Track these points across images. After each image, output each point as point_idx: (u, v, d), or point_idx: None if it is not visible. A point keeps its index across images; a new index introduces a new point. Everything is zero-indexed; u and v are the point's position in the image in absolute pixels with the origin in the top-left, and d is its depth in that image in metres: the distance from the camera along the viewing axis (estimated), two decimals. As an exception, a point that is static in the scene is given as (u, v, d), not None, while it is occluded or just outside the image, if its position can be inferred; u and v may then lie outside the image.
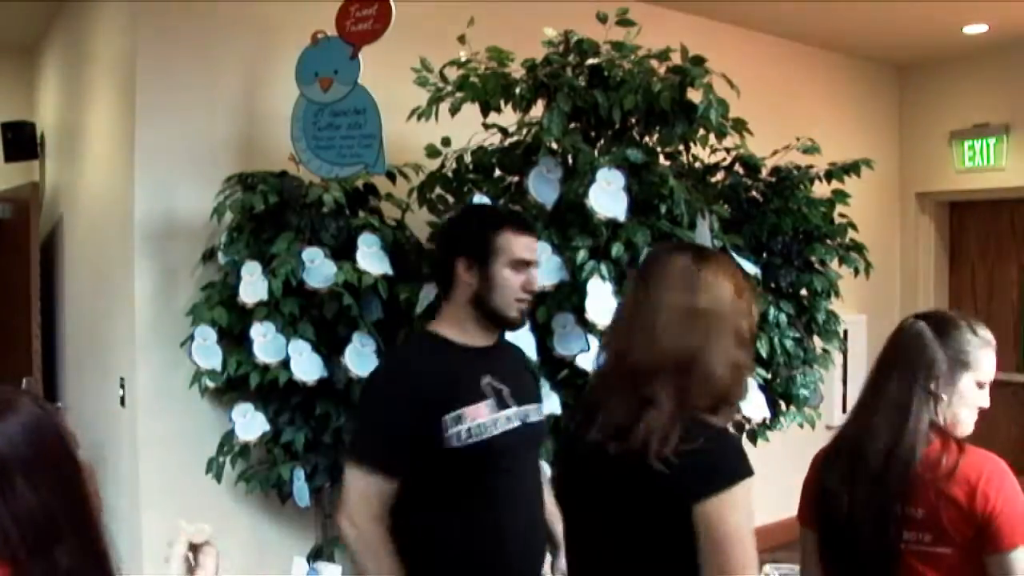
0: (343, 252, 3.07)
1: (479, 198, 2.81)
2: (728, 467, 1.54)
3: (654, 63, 2.96)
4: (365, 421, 2.13)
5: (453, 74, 3.06)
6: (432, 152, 3.09)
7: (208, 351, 3.11)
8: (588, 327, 2.73)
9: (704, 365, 1.57)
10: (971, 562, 1.70)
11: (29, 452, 1.23)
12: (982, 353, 1.90)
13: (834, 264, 3.41)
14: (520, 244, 2.13)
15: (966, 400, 1.86)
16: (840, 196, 3.44)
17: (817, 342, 3.41)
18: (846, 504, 1.80)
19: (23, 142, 4.93)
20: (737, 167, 3.40)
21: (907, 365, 1.84)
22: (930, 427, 1.80)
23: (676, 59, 2.98)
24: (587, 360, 2.72)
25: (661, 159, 3.09)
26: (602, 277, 2.72)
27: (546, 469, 2.50)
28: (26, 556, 1.19)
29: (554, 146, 2.85)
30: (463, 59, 3.05)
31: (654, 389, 1.55)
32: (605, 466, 1.59)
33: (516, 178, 3.05)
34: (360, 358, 3.02)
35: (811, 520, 1.92)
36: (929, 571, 1.72)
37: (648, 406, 1.55)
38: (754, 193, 3.40)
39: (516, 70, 3.03)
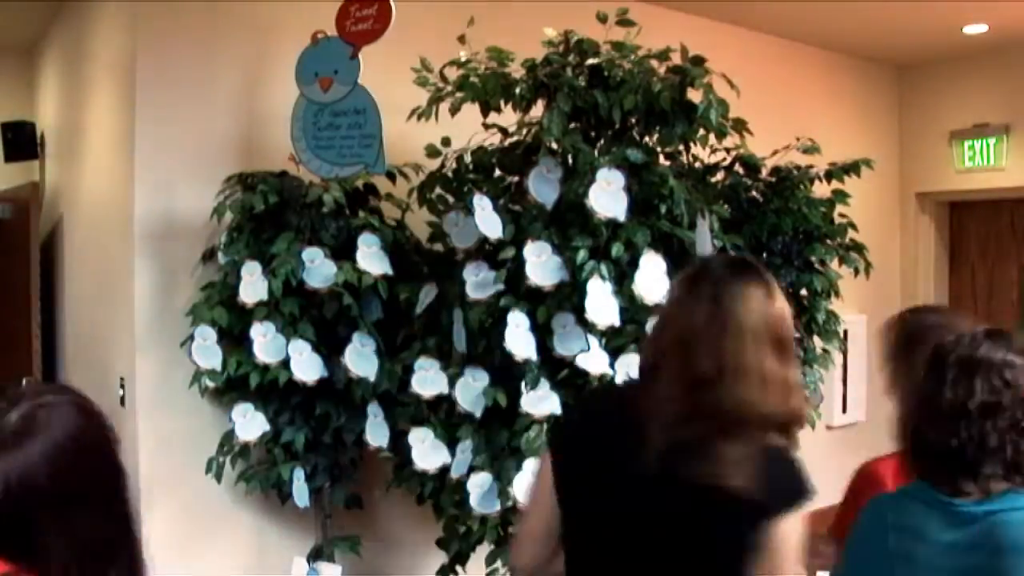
0: (343, 252, 3.07)
1: (478, 198, 2.82)
2: (802, 487, 1.55)
3: (654, 63, 2.96)
4: None
5: (453, 74, 3.06)
6: (432, 152, 3.09)
7: (208, 351, 3.11)
8: (588, 327, 2.73)
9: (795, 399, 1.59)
10: None
11: (72, 478, 1.19)
12: None
13: (834, 264, 3.41)
14: None
15: None
16: (840, 196, 3.44)
17: (817, 342, 3.41)
18: None
19: (23, 142, 4.93)
20: (737, 167, 3.40)
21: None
22: None
23: (676, 59, 2.98)
24: (587, 360, 2.73)
25: (661, 159, 3.09)
26: (602, 277, 2.72)
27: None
28: (66, 559, 1.16)
29: (554, 146, 2.85)
30: (463, 59, 3.05)
31: (742, 416, 1.52)
32: (669, 487, 1.53)
33: (516, 178, 3.05)
34: (360, 358, 3.02)
35: None
36: None
37: (731, 434, 1.51)
38: (754, 193, 3.40)
39: (516, 70, 3.03)
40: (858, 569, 1.69)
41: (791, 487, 1.54)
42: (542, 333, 2.78)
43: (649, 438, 1.54)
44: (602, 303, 2.70)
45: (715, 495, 1.48)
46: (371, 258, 3.01)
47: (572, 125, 2.97)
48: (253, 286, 3.00)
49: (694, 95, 2.92)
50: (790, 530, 1.51)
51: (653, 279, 2.76)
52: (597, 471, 1.65)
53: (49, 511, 1.16)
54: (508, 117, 3.09)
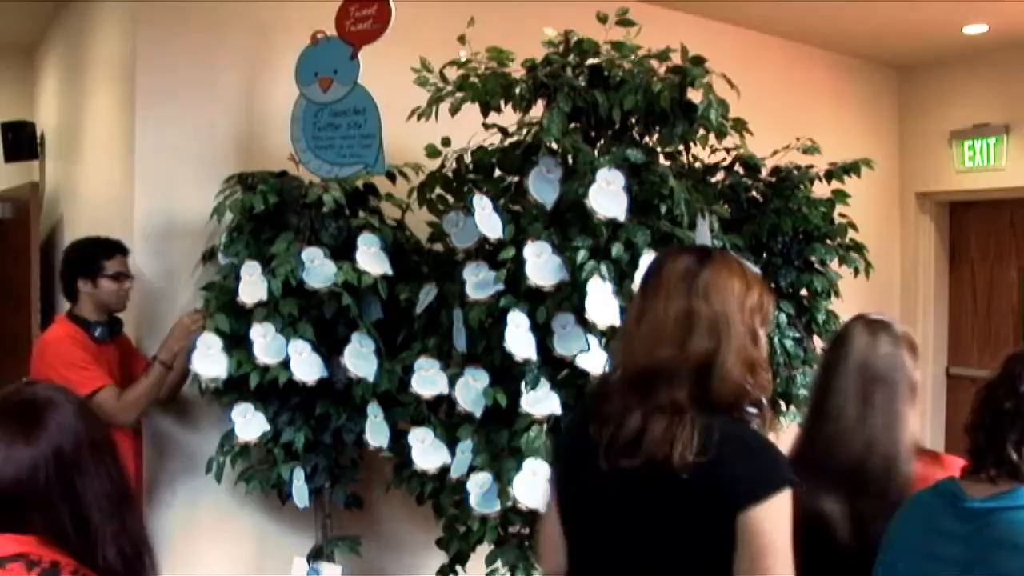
0: (343, 252, 3.06)
1: (479, 198, 2.82)
2: (774, 474, 1.51)
3: (654, 63, 2.96)
4: None
5: (453, 74, 3.06)
6: (432, 152, 3.09)
7: (213, 359, 3.06)
8: (588, 327, 2.73)
9: (719, 367, 1.53)
10: None
11: (96, 435, 1.38)
12: None
13: (834, 264, 3.41)
14: None
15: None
16: (840, 196, 3.44)
17: (817, 342, 3.41)
18: (848, 519, 1.78)
19: (23, 142, 4.93)
20: (737, 167, 3.40)
21: (893, 377, 1.82)
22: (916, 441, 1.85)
23: (676, 59, 2.98)
24: (587, 360, 2.73)
25: (661, 159, 3.09)
26: (602, 277, 2.72)
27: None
28: (109, 525, 1.31)
29: (554, 146, 2.85)
30: (463, 59, 3.05)
31: (670, 396, 1.52)
32: (623, 482, 1.55)
33: (516, 178, 3.05)
34: (360, 358, 3.02)
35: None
36: None
37: (661, 414, 1.52)
38: (754, 193, 3.40)
39: (516, 70, 3.03)
40: (897, 562, 1.70)
41: (758, 472, 1.50)
42: (542, 333, 2.78)
43: (599, 434, 1.58)
44: (602, 303, 2.70)
45: (660, 481, 1.50)
46: (371, 258, 3.01)
47: (572, 125, 2.97)
48: (253, 286, 3.00)
49: (694, 95, 2.92)
50: (767, 520, 1.46)
51: (653, 279, 2.76)
52: (574, 474, 1.70)
53: (65, 479, 1.31)
54: (508, 117, 3.09)
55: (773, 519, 1.47)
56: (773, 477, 1.50)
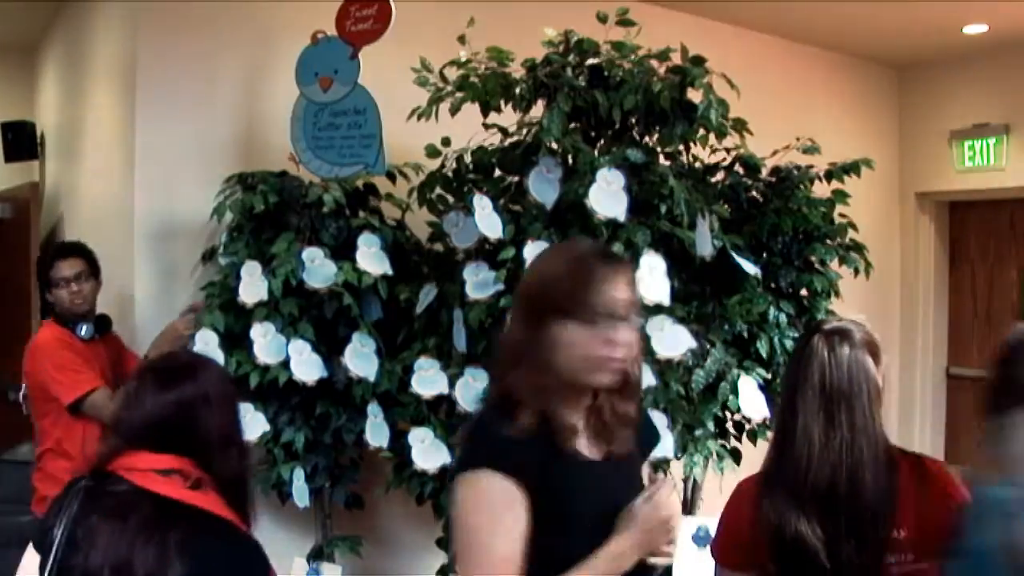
0: (343, 252, 3.07)
1: (479, 198, 2.82)
2: (471, 454, 1.63)
3: (654, 63, 2.97)
4: None
5: (453, 74, 3.06)
6: (432, 152, 3.09)
7: (210, 356, 3.08)
8: (588, 327, 2.72)
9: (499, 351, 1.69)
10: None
11: (228, 389, 1.87)
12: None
13: (834, 264, 3.41)
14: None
15: None
16: (840, 196, 3.44)
17: (817, 342, 3.40)
18: (822, 541, 1.75)
19: (23, 142, 4.94)
20: (737, 167, 3.40)
21: (855, 390, 1.81)
22: (889, 446, 1.82)
23: (676, 59, 2.98)
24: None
25: (661, 159, 3.09)
26: (602, 277, 2.71)
27: None
28: (226, 450, 1.78)
29: (554, 146, 2.85)
30: (463, 59, 3.05)
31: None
32: None
33: (516, 178, 3.05)
34: (360, 358, 3.02)
35: (760, 560, 1.83)
36: None
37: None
38: (754, 193, 3.40)
39: (516, 70, 3.03)
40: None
41: (463, 451, 1.69)
42: (542, 333, 2.77)
43: None
44: (602, 303, 2.69)
45: None
46: (371, 258, 3.01)
47: (572, 125, 2.97)
48: (253, 286, 3.00)
49: (694, 95, 2.92)
50: (458, 494, 1.59)
51: (653, 279, 2.76)
52: None
53: (209, 417, 1.76)
54: (508, 117, 3.09)
55: (462, 495, 1.59)
56: (467, 459, 1.63)
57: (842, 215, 3.48)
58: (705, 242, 2.90)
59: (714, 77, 2.93)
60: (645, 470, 1.86)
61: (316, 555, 3.30)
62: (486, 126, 3.08)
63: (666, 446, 2.79)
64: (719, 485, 3.31)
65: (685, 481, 3.37)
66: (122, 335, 3.49)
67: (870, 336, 1.91)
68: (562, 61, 2.96)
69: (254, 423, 3.10)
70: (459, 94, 3.01)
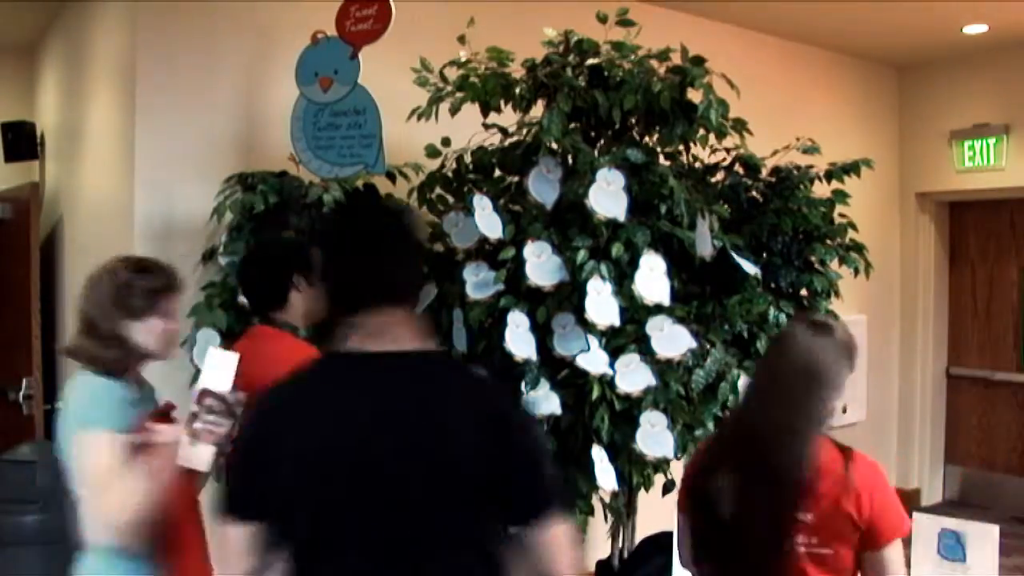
0: (343, 252, 3.06)
1: (479, 198, 2.82)
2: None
3: (654, 63, 2.97)
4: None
5: (453, 74, 3.06)
6: (432, 152, 3.09)
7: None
8: (588, 327, 2.73)
9: None
10: (851, 558, 1.85)
11: None
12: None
13: (834, 264, 3.41)
14: None
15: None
16: (840, 196, 3.44)
17: (817, 342, 3.40)
18: (735, 504, 1.85)
19: (23, 142, 4.93)
20: (737, 167, 3.40)
21: (809, 373, 1.87)
22: (827, 436, 1.90)
23: (676, 59, 2.98)
24: (587, 360, 2.73)
25: (661, 159, 3.09)
26: (602, 277, 2.72)
27: None
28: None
29: (554, 146, 2.85)
30: (463, 59, 3.05)
31: None
32: None
33: (516, 178, 3.05)
34: (360, 358, 3.02)
35: (689, 509, 2.00)
36: (814, 570, 1.83)
37: None
38: (754, 193, 3.40)
39: (516, 70, 3.03)
40: None
41: None
42: (542, 333, 2.78)
43: None
44: (602, 303, 2.70)
45: None
46: (371, 258, 3.01)
47: (572, 125, 2.97)
48: (253, 286, 2.99)
49: (694, 95, 2.92)
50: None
51: (653, 279, 2.77)
52: None
53: None
54: (508, 117, 3.09)
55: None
56: None
57: (842, 215, 3.48)
58: (705, 242, 2.90)
59: (714, 77, 2.93)
60: None
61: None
62: (486, 126, 3.08)
63: (666, 446, 2.79)
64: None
65: (685, 481, 3.37)
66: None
67: (848, 336, 1.96)
68: (562, 61, 2.96)
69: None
70: (459, 94, 3.01)
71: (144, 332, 2.12)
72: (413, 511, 1.57)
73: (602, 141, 3.07)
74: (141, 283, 2.13)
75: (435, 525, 1.58)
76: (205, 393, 2.03)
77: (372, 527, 1.56)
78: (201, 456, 1.99)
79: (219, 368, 2.06)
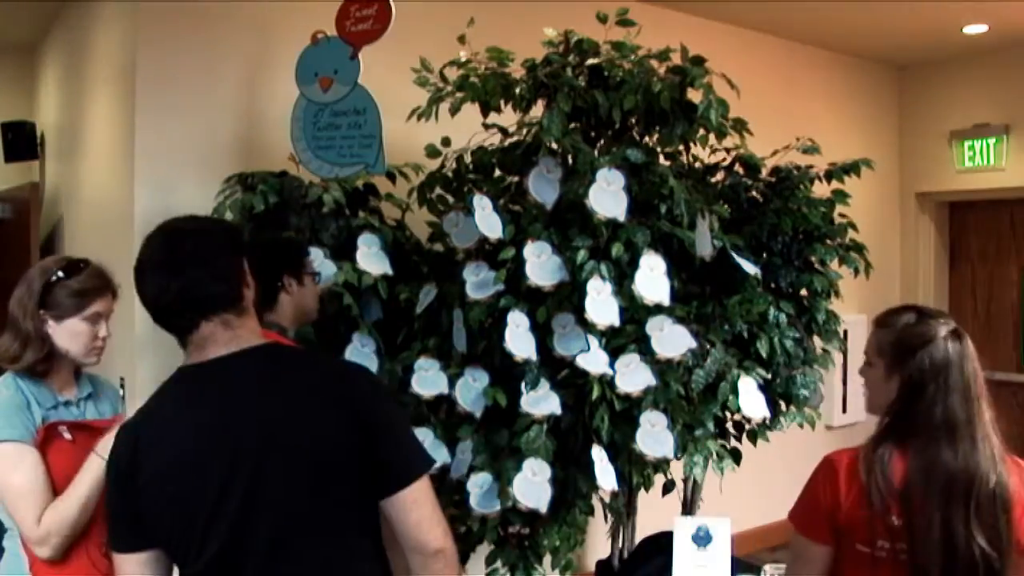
0: (343, 252, 3.06)
1: (478, 198, 2.82)
2: None
3: (654, 63, 2.97)
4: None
5: (453, 74, 3.06)
6: (432, 152, 3.09)
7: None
8: (588, 327, 2.73)
9: None
10: None
11: None
12: None
13: (834, 264, 3.41)
14: None
15: None
16: (840, 196, 3.44)
17: (817, 342, 3.41)
18: (941, 533, 1.73)
19: (23, 142, 4.93)
20: (737, 167, 3.40)
21: (963, 383, 1.79)
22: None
23: (676, 59, 2.98)
24: (587, 360, 2.72)
25: (661, 159, 3.09)
26: (602, 277, 2.72)
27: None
28: None
29: (554, 146, 2.85)
30: (463, 59, 3.05)
31: None
32: None
33: (516, 178, 3.05)
34: (360, 358, 3.02)
35: (861, 536, 1.81)
36: None
37: None
38: (754, 193, 3.40)
39: (516, 70, 3.03)
40: None
41: None
42: (542, 333, 2.78)
43: None
44: (602, 303, 2.70)
45: None
46: (371, 258, 3.01)
47: (572, 125, 2.97)
48: (253, 286, 2.99)
49: (694, 95, 2.92)
50: None
51: (653, 279, 2.76)
52: None
53: None
54: (508, 117, 3.09)
55: None
56: None
57: (842, 215, 3.48)
58: (705, 242, 2.90)
59: (714, 77, 2.93)
60: None
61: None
62: (486, 126, 3.08)
63: (666, 446, 2.79)
64: (719, 485, 3.32)
65: (685, 481, 3.37)
66: (122, 336, 3.49)
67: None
68: (562, 61, 2.96)
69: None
70: (459, 94, 3.01)
71: (65, 334, 2.06)
72: (285, 506, 1.57)
73: (602, 141, 3.07)
74: (67, 283, 2.07)
75: (309, 516, 1.58)
76: None
77: (247, 530, 1.56)
78: None
79: None
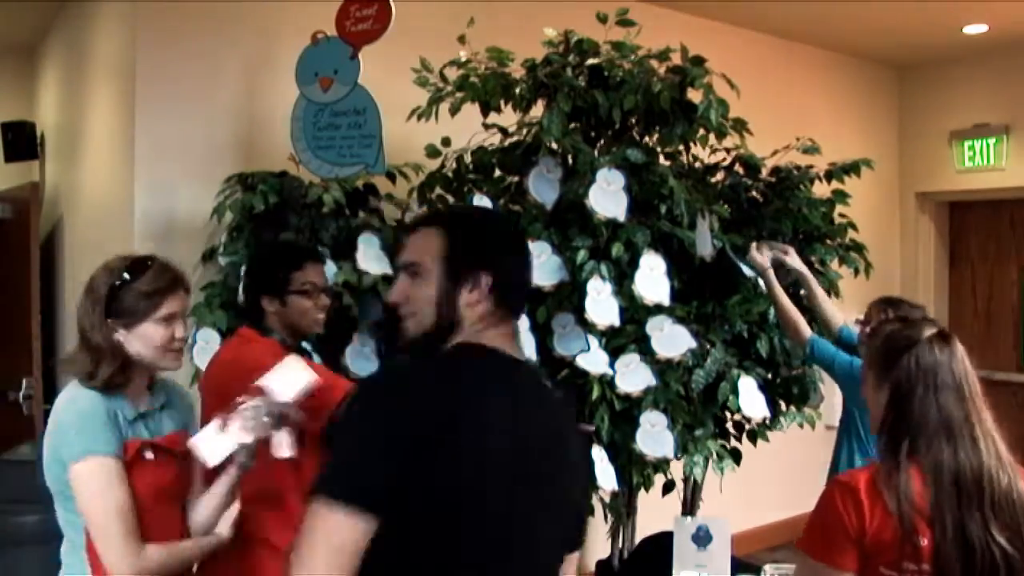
0: (343, 252, 3.06)
1: (478, 198, 2.82)
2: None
3: (654, 63, 2.97)
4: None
5: (453, 74, 3.06)
6: (432, 152, 3.09)
7: (210, 354, 3.08)
8: (588, 327, 2.73)
9: None
10: None
11: None
12: None
13: (834, 264, 3.41)
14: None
15: None
16: (840, 196, 3.44)
17: (817, 342, 3.40)
18: (955, 533, 1.68)
19: (23, 142, 4.93)
20: (737, 167, 3.40)
21: (954, 382, 1.76)
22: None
23: (676, 59, 2.98)
24: (587, 360, 2.72)
25: (661, 159, 3.09)
26: (602, 277, 2.72)
27: None
28: None
29: (554, 146, 2.85)
30: (463, 59, 3.05)
31: None
32: None
33: (516, 178, 3.05)
34: (360, 358, 3.02)
35: (889, 558, 1.74)
36: None
37: None
38: (754, 193, 3.40)
39: (516, 70, 3.03)
40: None
41: None
42: (542, 333, 2.78)
43: None
44: (602, 303, 2.70)
45: None
46: (371, 258, 3.01)
47: (572, 125, 2.97)
48: (253, 286, 2.99)
49: (694, 95, 2.92)
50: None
51: (653, 279, 2.76)
52: None
53: None
54: (508, 117, 3.09)
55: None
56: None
57: (842, 215, 3.48)
58: (705, 242, 2.90)
59: (714, 77, 2.93)
60: None
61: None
62: (486, 126, 3.08)
63: (666, 446, 2.79)
64: (719, 485, 3.32)
65: (685, 481, 3.37)
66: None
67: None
68: (562, 61, 2.96)
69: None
70: (459, 94, 3.01)
71: (138, 341, 1.87)
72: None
73: (602, 141, 3.07)
74: (134, 285, 1.87)
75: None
76: (262, 391, 1.83)
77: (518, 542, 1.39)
78: (215, 448, 1.80)
79: (291, 378, 1.85)
